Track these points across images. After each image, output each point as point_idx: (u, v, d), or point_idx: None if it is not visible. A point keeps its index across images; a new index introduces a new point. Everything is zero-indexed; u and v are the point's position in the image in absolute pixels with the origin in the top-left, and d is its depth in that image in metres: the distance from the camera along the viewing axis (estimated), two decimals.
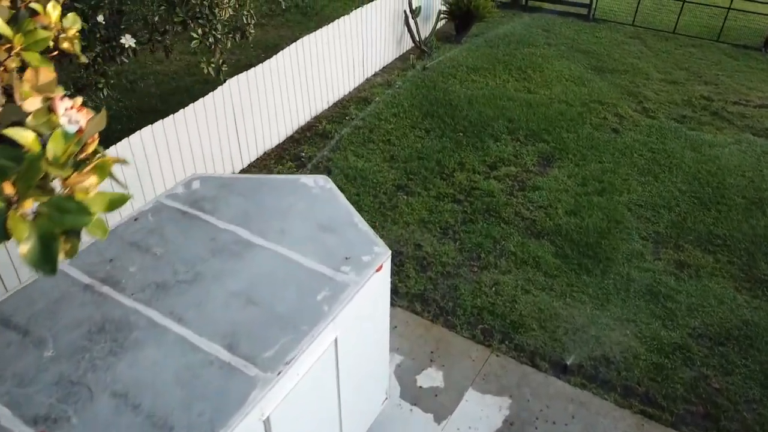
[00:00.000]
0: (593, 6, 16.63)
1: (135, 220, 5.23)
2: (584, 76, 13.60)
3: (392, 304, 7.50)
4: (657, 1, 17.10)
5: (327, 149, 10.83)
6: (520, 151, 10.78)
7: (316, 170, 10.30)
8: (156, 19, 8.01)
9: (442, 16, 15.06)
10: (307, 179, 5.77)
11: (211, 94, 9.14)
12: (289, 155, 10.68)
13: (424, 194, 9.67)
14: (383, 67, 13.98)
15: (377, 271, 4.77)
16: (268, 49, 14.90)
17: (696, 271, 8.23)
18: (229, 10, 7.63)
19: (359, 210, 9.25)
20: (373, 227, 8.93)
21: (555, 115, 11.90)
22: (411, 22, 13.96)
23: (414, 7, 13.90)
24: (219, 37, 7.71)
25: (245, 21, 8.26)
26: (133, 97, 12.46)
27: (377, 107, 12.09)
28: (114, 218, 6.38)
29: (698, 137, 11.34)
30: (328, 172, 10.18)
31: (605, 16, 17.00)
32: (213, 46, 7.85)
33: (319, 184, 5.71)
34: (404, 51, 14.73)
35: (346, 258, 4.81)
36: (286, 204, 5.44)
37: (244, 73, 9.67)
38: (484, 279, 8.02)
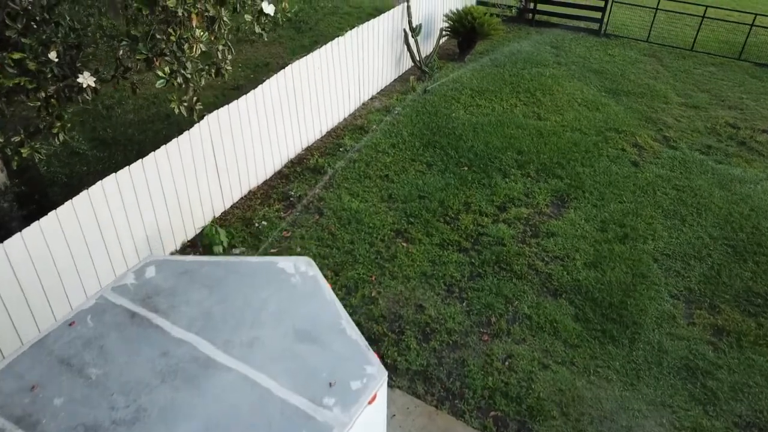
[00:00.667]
0: (605, 21, 15.64)
1: (70, 324, 4.22)
2: (598, 99, 12.59)
3: (390, 385, 6.50)
4: (671, 15, 16.09)
5: (319, 186, 9.83)
6: (532, 189, 9.78)
7: (306, 211, 9.30)
8: (120, 53, 7.01)
9: (444, 33, 14.06)
10: (286, 263, 4.76)
11: (186, 132, 8.13)
12: (277, 194, 9.67)
13: (426, 241, 8.66)
14: (381, 90, 12.98)
15: (369, 403, 3.76)
16: (258, 69, 13.91)
17: (737, 339, 7.22)
18: (201, 46, 6.62)
19: (354, 261, 8.26)
20: (369, 282, 7.93)
21: (568, 146, 10.90)
22: (411, 41, 12.97)
23: (414, 26, 12.90)
24: (189, 76, 6.69)
25: (220, 57, 7.24)
26: (109, 125, 11.44)
27: (374, 137, 11.09)
28: (47, 320, 5.38)
29: (726, 172, 10.33)
30: (320, 214, 9.18)
31: (617, 31, 16.00)
32: (183, 85, 6.84)
33: (300, 270, 4.70)
34: (404, 71, 13.73)
35: (330, 384, 3.80)
36: (258, 300, 4.43)
37: (225, 107, 8.66)
38: (495, 350, 7.01)
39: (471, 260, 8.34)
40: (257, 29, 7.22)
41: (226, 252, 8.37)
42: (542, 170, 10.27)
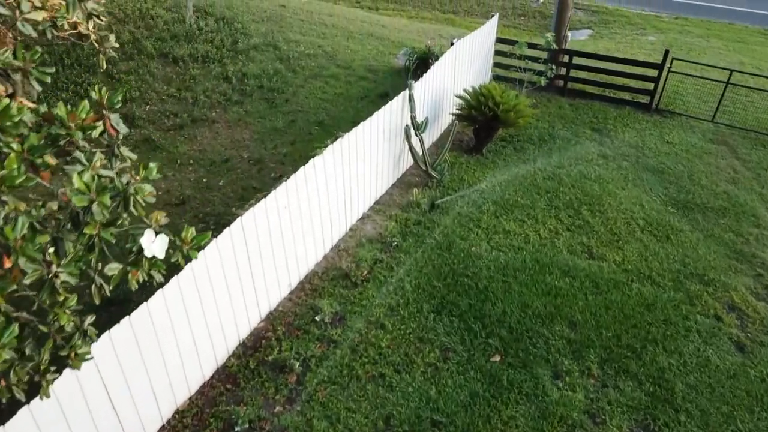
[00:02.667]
0: (658, 92, 12.43)
1: None
2: (666, 220, 9.39)
3: None
4: (735, 89, 12.84)
5: (281, 402, 6.57)
6: (600, 405, 6.55)
7: None
8: None
9: (454, 120, 10.83)
10: None
11: None
12: (217, 420, 6.41)
13: None
14: (376, 202, 9.76)
15: None
16: (214, 168, 10.67)
17: None
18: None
19: None
20: None
21: (639, 312, 7.69)
22: (414, 140, 9.74)
23: (419, 122, 9.69)
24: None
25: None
26: None
27: (363, 296, 7.85)
28: None
29: None
30: None
31: (671, 104, 12.80)
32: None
33: None
34: (405, 169, 10.52)
35: None
36: None
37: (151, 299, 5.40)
38: None
39: None
40: (141, 278, 3.87)
41: None
42: (608, 361, 7.05)
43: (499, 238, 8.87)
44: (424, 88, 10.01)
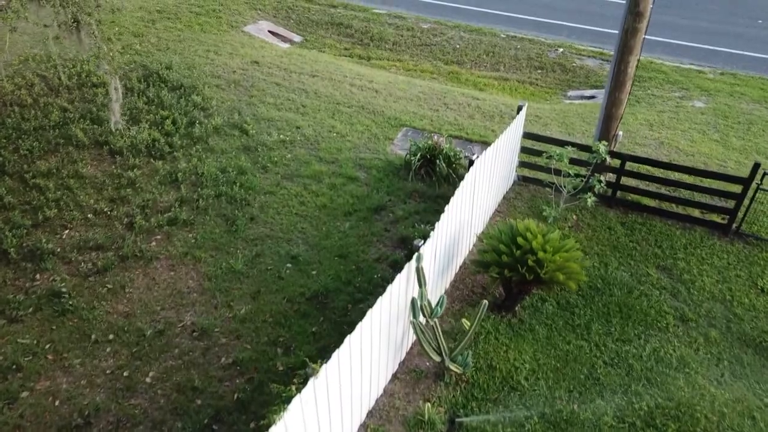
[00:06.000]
0: (742, 212, 9.42)
1: None
2: None
3: None
4: None
5: None
6: None
7: None
8: None
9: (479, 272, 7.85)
10: None
11: None
12: None
13: None
14: (369, 414, 6.74)
15: None
16: (144, 343, 7.54)
17: None
18: None
19: None
20: None
21: None
22: (423, 327, 6.72)
23: (433, 305, 6.70)
24: None
25: None
26: None
27: None
28: None
29: None
30: None
31: (756, 224, 9.75)
32: None
33: None
34: (409, 347, 7.50)
35: None
36: None
37: None
38: None
39: None
40: None
41: None
42: None
43: None
44: (434, 244, 7.01)
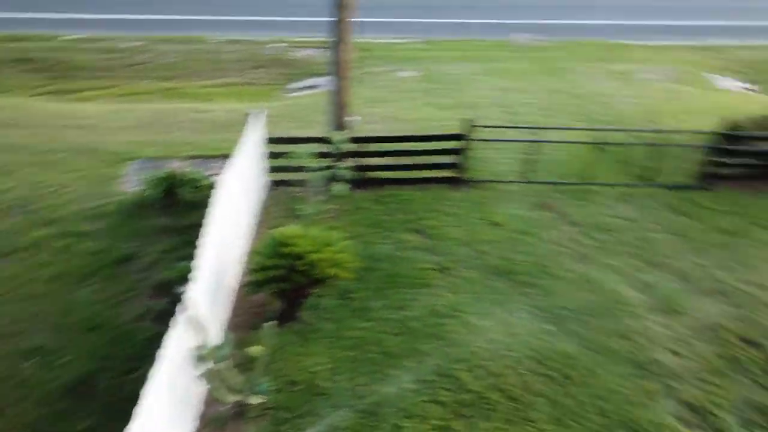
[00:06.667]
0: (465, 164, 10.60)
1: None
2: (550, 348, 7.51)
3: None
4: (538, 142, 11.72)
5: None
6: None
7: None
8: None
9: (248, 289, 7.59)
10: None
11: None
12: None
13: None
14: None
15: None
16: None
17: None
18: None
19: None
20: None
21: None
22: (215, 374, 6.26)
23: (218, 351, 6.27)
24: None
25: None
26: None
27: None
28: None
29: None
30: None
31: (479, 172, 11.07)
32: None
33: None
34: (205, 400, 6.98)
35: None
36: None
37: None
38: None
39: None
40: None
41: None
42: None
43: None
44: (200, 282, 6.57)
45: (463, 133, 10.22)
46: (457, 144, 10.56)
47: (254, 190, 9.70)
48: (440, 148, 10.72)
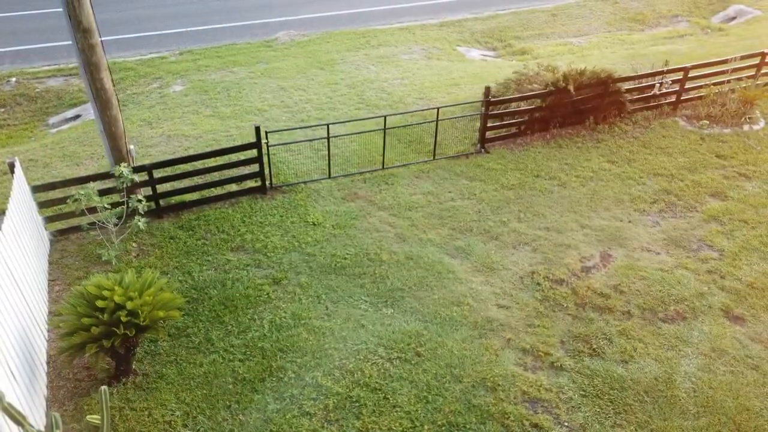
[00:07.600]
0: (267, 173, 10.33)
1: None
2: (401, 339, 7.90)
3: None
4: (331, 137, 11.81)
5: None
6: None
7: None
8: None
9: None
10: None
11: None
12: None
13: None
14: None
15: None
16: None
17: None
18: None
19: None
20: None
21: None
22: None
23: None
24: None
25: None
26: None
27: None
28: None
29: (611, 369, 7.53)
30: None
31: (282, 176, 10.90)
32: None
33: None
34: None
35: None
36: None
37: None
38: None
39: None
40: None
41: None
42: None
43: None
44: (1, 366, 5.50)
45: (256, 140, 10.01)
46: (253, 153, 10.31)
47: (36, 246, 8.35)
48: (238, 159, 10.39)
